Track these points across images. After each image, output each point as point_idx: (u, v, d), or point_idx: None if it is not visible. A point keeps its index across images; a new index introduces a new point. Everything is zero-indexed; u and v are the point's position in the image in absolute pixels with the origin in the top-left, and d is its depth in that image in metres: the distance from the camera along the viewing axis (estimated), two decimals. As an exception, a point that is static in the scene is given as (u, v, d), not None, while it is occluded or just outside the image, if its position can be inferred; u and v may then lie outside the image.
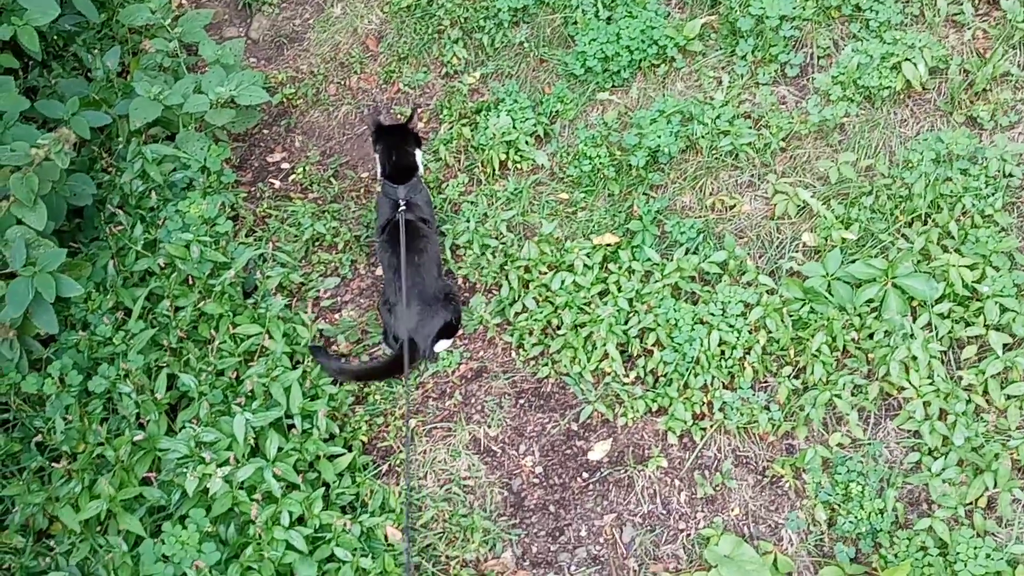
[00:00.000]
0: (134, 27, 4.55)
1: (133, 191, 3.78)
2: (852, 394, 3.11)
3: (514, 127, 4.12)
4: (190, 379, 3.01)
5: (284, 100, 4.67)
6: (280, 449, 2.91)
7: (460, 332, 3.61)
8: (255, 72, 4.18)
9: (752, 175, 3.85)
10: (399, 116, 4.46)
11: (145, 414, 2.94)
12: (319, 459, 2.96)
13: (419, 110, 4.43)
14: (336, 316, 3.76)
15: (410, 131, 3.73)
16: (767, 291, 3.36)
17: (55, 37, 4.84)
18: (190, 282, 3.40)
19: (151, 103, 3.89)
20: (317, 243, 4.00)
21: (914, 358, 3.04)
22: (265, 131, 4.63)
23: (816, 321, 3.24)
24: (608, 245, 3.66)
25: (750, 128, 3.92)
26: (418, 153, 3.72)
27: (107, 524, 2.80)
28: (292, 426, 3.03)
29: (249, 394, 3.04)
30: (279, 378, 3.06)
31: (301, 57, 4.90)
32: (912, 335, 3.08)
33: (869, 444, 3.04)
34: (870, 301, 3.22)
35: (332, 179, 4.27)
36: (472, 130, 4.21)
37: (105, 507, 2.71)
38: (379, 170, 3.74)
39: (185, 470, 2.73)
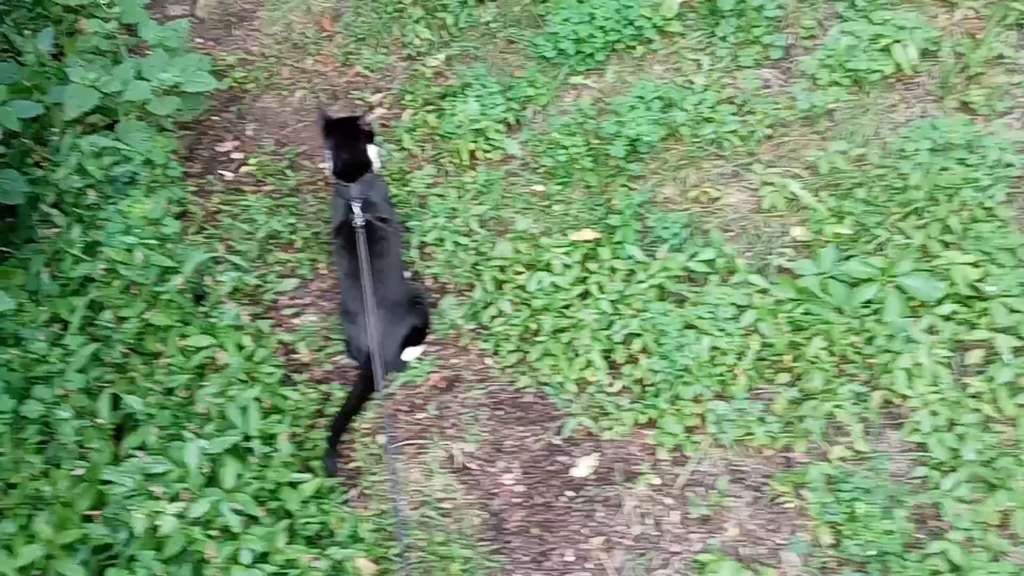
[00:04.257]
0: (69, 5, 4.19)
1: (70, 188, 3.45)
2: (853, 403, 2.92)
3: (483, 114, 3.85)
4: (136, 401, 2.73)
5: (234, 84, 4.35)
6: (239, 477, 2.65)
7: (430, 335, 3.36)
8: (202, 56, 3.86)
9: (737, 165, 3.64)
10: (359, 102, 4.17)
11: (87, 442, 2.65)
12: (281, 487, 2.70)
13: (372, 108, 4.13)
14: (296, 321, 3.49)
15: (360, 124, 3.45)
16: (759, 292, 3.15)
17: (-21, 16, 4.47)
18: (134, 290, 3.10)
19: (87, 91, 3.56)
20: (273, 241, 3.71)
21: (918, 365, 2.86)
22: (215, 118, 4.31)
23: (812, 324, 3.04)
24: (587, 241, 3.43)
25: (734, 115, 3.70)
26: (372, 148, 3.44)
27: (47, 568, 2.51)
28: (250, 449, 2.77)
29: (203, 415, 2.76)
30: (235, 397, 2.78)
31: (252, 37, 4.57)
32: (915, 340, 2.89)
33: (873, 457, 2.85)
34: (869, 302, 3.03)
35: (288, 171, 3.97)
36: (438, 117, 3.93)
37: (43, 552, 2.43)
38: (329, 167, 3.46)
39: (132, 507, 2.45)
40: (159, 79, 3.61)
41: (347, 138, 3.44)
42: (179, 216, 3.76)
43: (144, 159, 3.64)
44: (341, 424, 3.07)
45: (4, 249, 3.30)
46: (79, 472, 2.56)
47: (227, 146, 4.18)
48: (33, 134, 3.76)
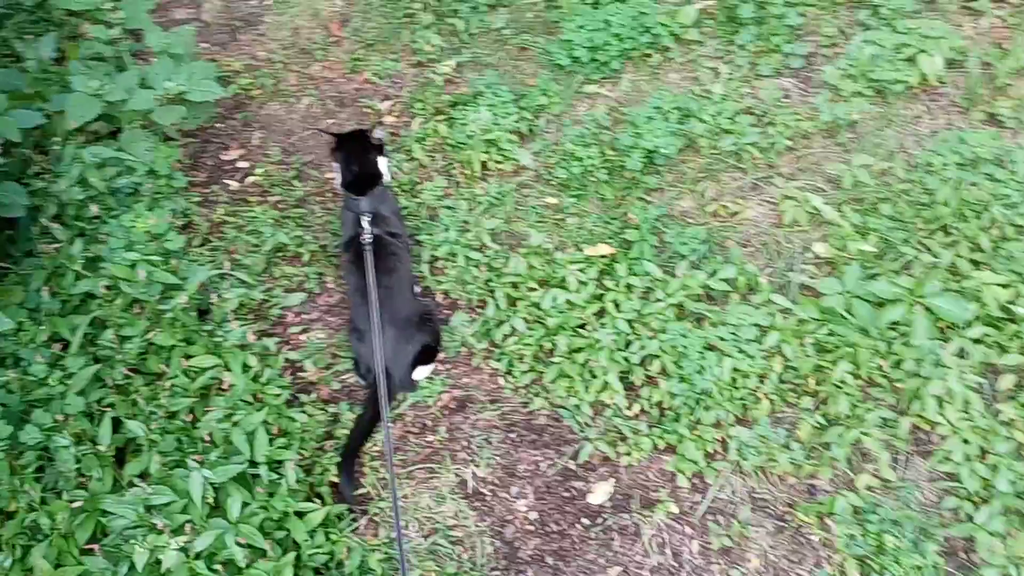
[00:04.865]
0: (71, 10, 4.10)
1: (71, 199, 3.35)
2: (880, 429, 2.81)
3: (495, 123, 3.75)
4: (138, 426, 2.63)
5: (240, 91, 4.25)
6: (244, 506, 2.55)
7: (441, 355, 3.26)
8: (207, 63, 3.76)
9: (757, 178, 3.53)
10: (367, 110, 4.08)
11: (87, 469, 2.55)
12: (288, 516, 2.60)
13: (381, 116, 4.03)
14: (303, 337, 3.39)
15: (370, 137, 3.34)
16: (781, 311, 3.04)
17: (-19, 21, 4.38)
18: (137, 308, 3.01)
19: (90, 100, 3.47)
20: (280, 254, 3.61)
21: (948, 390, 2.75)
22: (220, 125, 4.22)
23: (837, 346, 2.93)
24: (603, 257, 3.33)
25: (753, 125, 3.60)
26: (382, 161, 3.33)
27: (44, 602, 2.42)
28: (257, 476, 2.67)
29: (207, 441, 2.67)
30: (241, 422, 2.68)
31: (258, 42, 4.48)
32: (945, 365, 2.79)
33: (902, 487, 2.75)
34: (896, 324, 2.93)
35: (295, 181, 3.88)
36: (449, 126, 3.83)
37: (40, 587, 2.34)
38: (338, 180, 3.36)
39: (133, 540, 2.35)
40: (163, 88, 3.50)
41: (356, 150, 3.34)
42: (183, 227, 3.67)
43: (147, 170, 3.55)
44: (355, 448, 2.97)
45: (3, 265, 3.20)
46: (78, 503, 2.45)
47: (233, 154, 4.09)
48: (34, 143, 3.67)
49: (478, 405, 3.13)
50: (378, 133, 3.34)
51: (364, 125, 3.75)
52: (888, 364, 2.88)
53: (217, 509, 2.57)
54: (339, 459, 2.90)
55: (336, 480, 2.90)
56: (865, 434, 2.77)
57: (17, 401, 2.71)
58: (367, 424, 3.00)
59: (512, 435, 3.05)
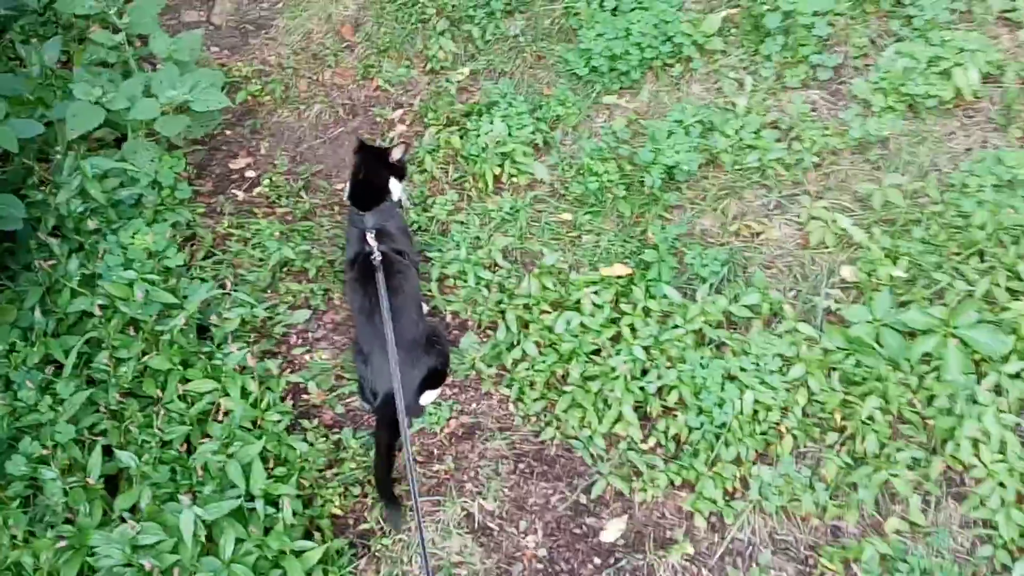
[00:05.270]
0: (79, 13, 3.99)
1: (71, 212, 3.25)
2: (909, 468, 2.66)
3: (510, 135, 3.62)
4: (130, 457, 2.51)
5: (249, 97, 4.14)
6: (239, 542, 2.43)
7: (449, 379, 3.13)
8: (213, 71, 3.64)
9: (782, 196, 3.38)
10: (379, 119, 3.95)
11: (75, 503, 2.44)
12: (284, 555, 2.48)
13: (392, 124, 3.91)
14: (307, 357, 3.27)
15: (388, 155, 3.20)
16: (806, 340, 2.90)
17: (-11, 22, 4.28)
18: (133, 328, 2.90)
19: (92, 108, 3.35)
20: (285, 269, 3.49)
21: (984, 430, 2.60)
22: (228, 132, 4.11)
23: (865, 378, 2.78)
24: (619, 277, 3.19)
25: (779, 140, 3.44)
26: (395, 183, 3.19)
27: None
28: (252, 510, 2.55)
29: (200, 474, 2.55)
30: (237, 453, 2.56)
31: (269, 47, 4.37)
32: (980, 402, 2.63)
33: (933, 533, 2.60)
34: (928, 356, 2.78)
35: (303, 192, 3.76)
36: (461, 137, 3.70)
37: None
38: (345, 192, 3.24)
39: (121, 581, 2.25)
40: (167, 97, 3.39)
41: (370, 163, 3.20)
42: (187, 239, 3.56)
43: (150, 181, 3.44)
44: (386, 477, 2.82)
45: (-1, 282, 3.11)
46: (63, 544, 2.33)
47: (240, 163, 3.98)
48: (36, 151, 3.57)
49: (487, 433, 3.00)
50: (398, 153, 3.19)
51: (391, 144, 3.63)
52: (919, 400, 2.72)
53: (211, 542, 2.46)
54: (376, 494, 2.79)
55: (338, 512, 2.79)
56: (894, 475, 2.62)
57: (5, 427, 2.61)
58: (385, 450, 2.87)
59: (522, 466, 2.93)
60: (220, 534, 2.41)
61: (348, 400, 3.15)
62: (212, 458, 2.55)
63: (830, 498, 2.67)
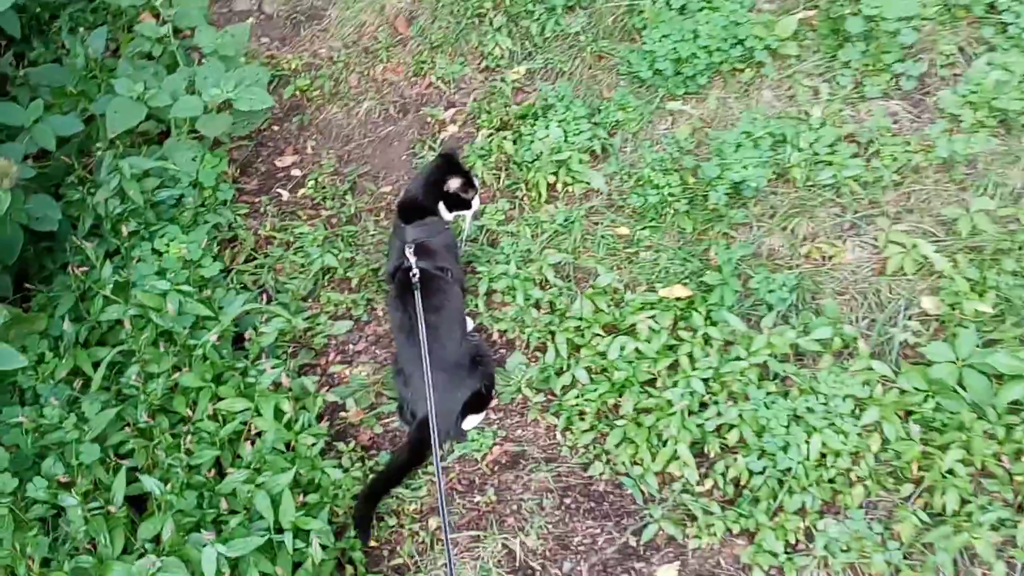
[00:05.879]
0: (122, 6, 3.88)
1: (109, 213, 3.14)
2: (993, 528, 2.42)
3: (566, 140, 3.42)
4: (155, 484, 2.38)
5: (297, 92, 3.99)
6: (264, 577, 2.30)
7: (494, 402, 2.96)
8: (259, 67, 3.50)
9: (857, 216, 3.13)
10: (429, 119, 3.78)
11: (95, 532, 2.32)
12: (312, 595, 2.35)
13: (444, 125, 3.74)
14: (346, 372, 3.13)
15: (455, 166, 3.01)
16: (880, 380, 2.67)
17: (38, 8, 4.19)
18: (167, 339, 2.77)
19: (133, 104, 3.24)
20: (327, 276, 3.35)
21: (1079, 491, 2.36)
22: (275, 127, 3.98)
23: (945, 425, 2.55)
24: (678, 299, 2.99)
25: (855, 156, 3.20)
26: (442, 206, 2.98)
27: None
28: (281, 543, 2.40)
29: (226, 506, 2.41)
30: (266, 483, 2.42)
31: (320, 39, 4.22)
32: (1076, 460, 2.40)
33: (1017, 604, 2.37)
34: (1016, 404, 2.53)
35: (348, 194, 3.61)
36: (515, 142, 3.51)
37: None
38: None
39: (139, 621, 2.12)
40: (210, 95, 3.25)
41: (432, 175, 3.02)
42: (228, 241, 3.44)
43: (191, 181, 3.32)
44: (378, 493, 2.71)
45: (31, 287, 3.00)
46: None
47: (287, 160, 3.84)
48: (77, 145, 3.47)
49: (531, 463, 2.82)
50: (454, 186, 2.94)
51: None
52: (1006, 453, 2.48)
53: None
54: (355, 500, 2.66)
55: (372, 543, 2.65)
56: (976, 537, 2.39)
57: (30, 444, 2.50)
58: (396, 471, 2.73)
59: (568, 500, 2.75)
60: (246, 570, 2.28)
61: (387, 420, 3.00)
62: (241, 487, 2.41)
63: (903, 557, 2.44)
